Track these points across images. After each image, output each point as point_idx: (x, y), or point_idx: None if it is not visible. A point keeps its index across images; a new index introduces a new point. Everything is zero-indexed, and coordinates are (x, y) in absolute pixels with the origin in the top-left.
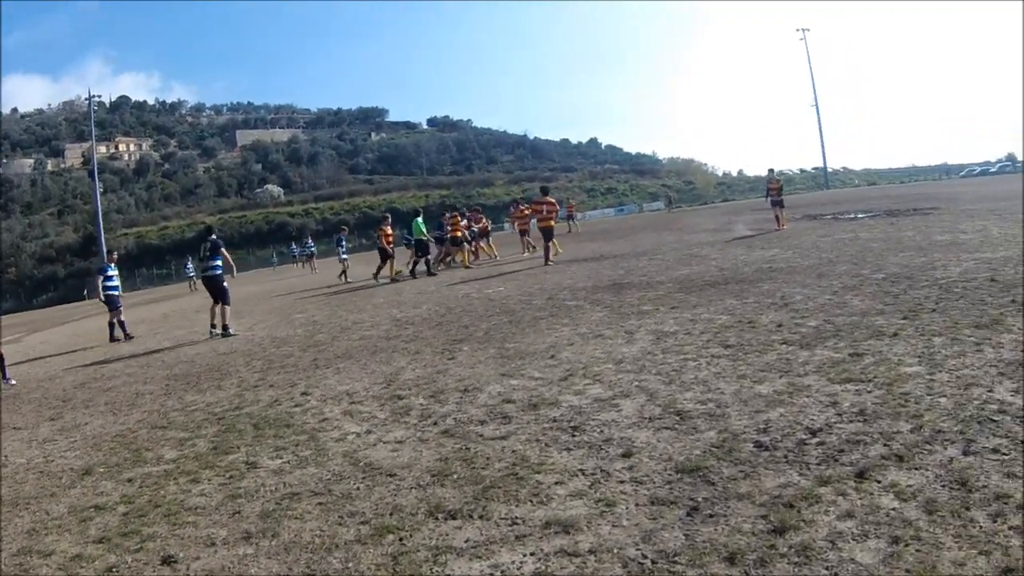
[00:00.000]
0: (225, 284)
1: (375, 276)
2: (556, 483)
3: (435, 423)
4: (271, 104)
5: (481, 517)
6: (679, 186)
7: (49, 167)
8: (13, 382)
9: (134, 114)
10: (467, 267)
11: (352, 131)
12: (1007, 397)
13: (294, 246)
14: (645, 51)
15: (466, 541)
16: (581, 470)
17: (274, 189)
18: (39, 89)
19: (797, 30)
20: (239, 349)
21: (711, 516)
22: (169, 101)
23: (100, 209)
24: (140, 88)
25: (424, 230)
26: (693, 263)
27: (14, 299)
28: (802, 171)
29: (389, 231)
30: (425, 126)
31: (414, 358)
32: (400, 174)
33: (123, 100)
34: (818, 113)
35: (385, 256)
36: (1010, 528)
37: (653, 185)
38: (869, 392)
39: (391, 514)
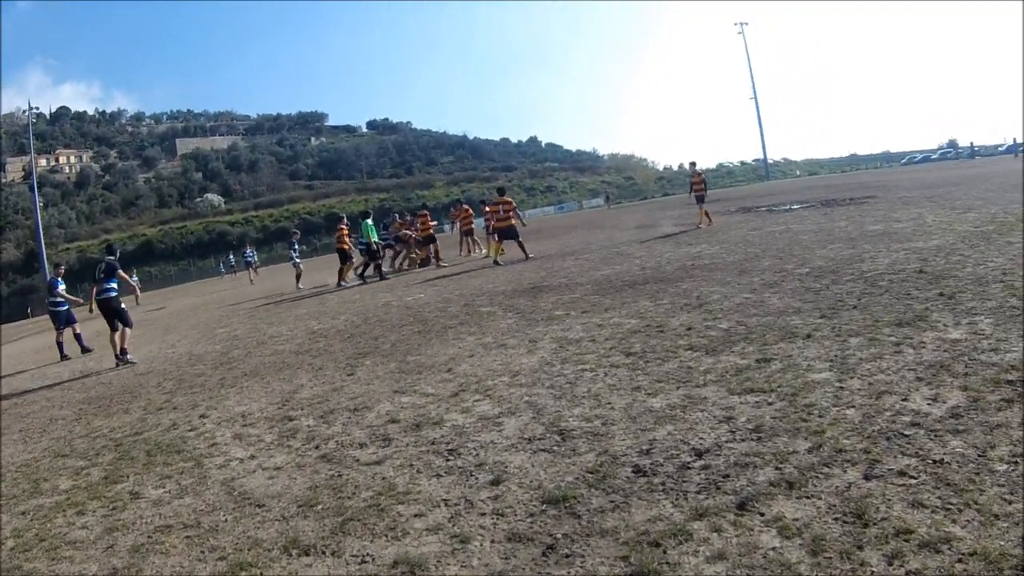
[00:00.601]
0: (122, 306)
1: (339, 283)
2: (416, 515)
3: (317, 446)
4: (211, 111)
5: (333, 554)
6: (619, 182)
7: None
8: None
9: (74, 125)
10: (440, 265)
11: (292, 136)
12: (923, 406)
13: (231, 256)
14: (585, 49)
15: None
16: (445, 500)
17: (214, 198)
18: None
19: (735, 24)
20: (156, 369)
21: (567, 556)
22: (109, 111)
23: (41, 224)
24: (81, 98)
25: (374, 233)
26: (617, 262)
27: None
28: (743, 163)
29: (347, 232)
30: (365, 129)
31: (316, 375)
32: (340, 178)
33: (63, 111)
34: (757, 105)
35: (345, 258)
36: (907, 574)
37: (593, 182)
38: (770, 404)
39: (249, 549)
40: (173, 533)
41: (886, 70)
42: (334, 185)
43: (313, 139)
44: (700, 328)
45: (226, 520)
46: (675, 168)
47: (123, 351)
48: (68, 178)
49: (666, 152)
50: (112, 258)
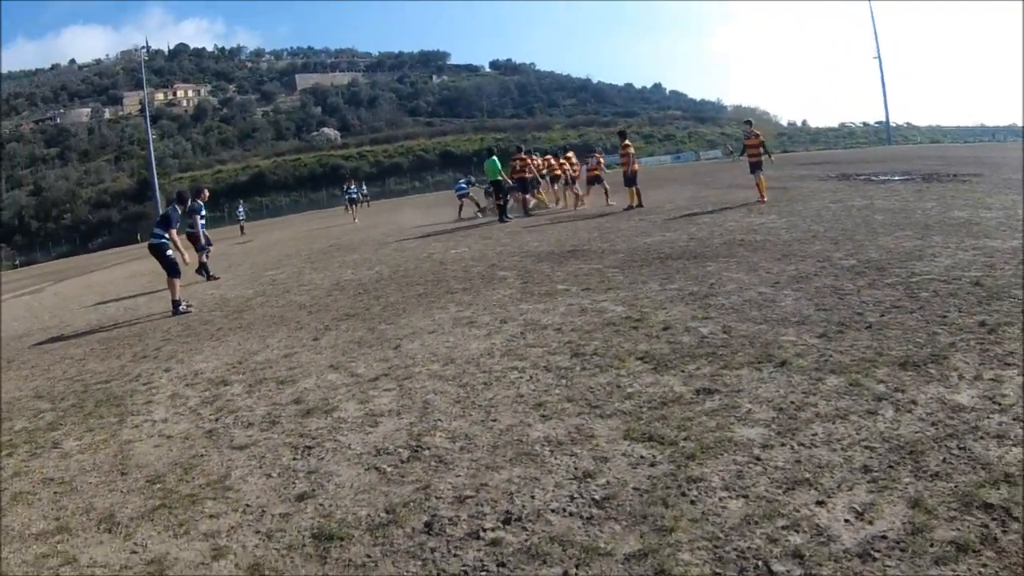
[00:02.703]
0: (169, 253)
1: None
2: (210, 516)
3: (216, 419)
4: (331, 48)
5: (125, 537)
6: (739, 135)
7: (107, 115)
8: None
9: (193, 61)
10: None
11: (413, 74)
12: (835, 523)
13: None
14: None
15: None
16: (247, 505)
17: (330, 132)
18: (100, 39)
19: None
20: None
21: None
22: (229, 47)
23: (153, 155)
24: (203, 35)
25: (499, 169)
26: (673, 228)
27: (69, 244)
28: (865, 124)
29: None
30: (487, 69)
31: (291, 335)
32: (461, 117)
33: (182, 47)
34: (880, 66)
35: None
36: None
37: (712, 133)
38: (651, 466)
39: (81, 515)
40: (49, 487)
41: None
42: (453, 123)
43: (435, 77)
44: (678, 329)
45: (90, 483)
46: (798, 124)
47: (175, 302)
48: (185, 111)
49: (790, 107)
50: (175, 208)
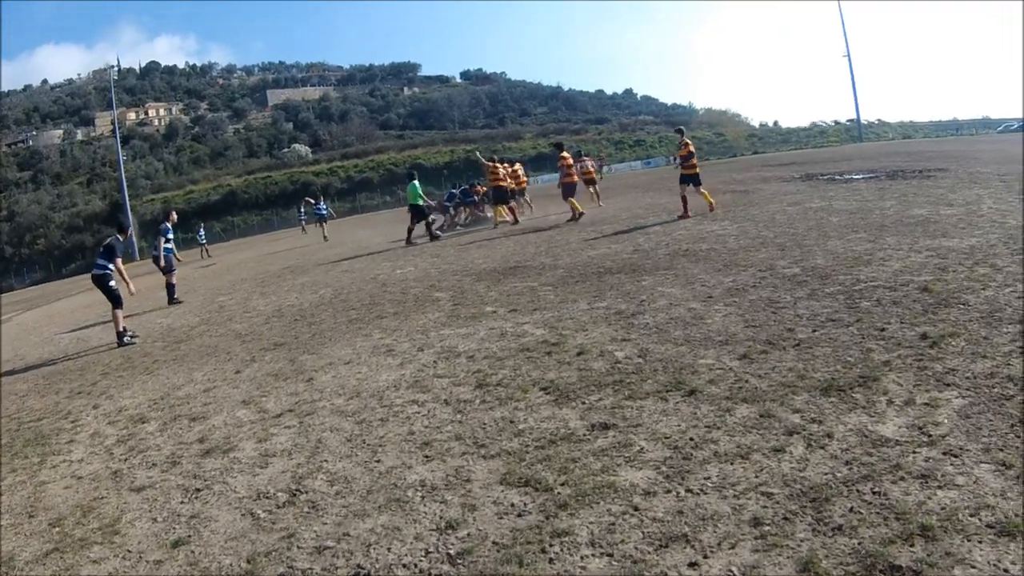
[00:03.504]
0: (112, 284)
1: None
2: (94, 562)
3: (124, 459)
4: (303, 63)
5: None
6: (709, 138)
7: (79, 136)
8: None
9: (164, 79)
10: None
11: (384, 87)
12: None
13: (302, 209)
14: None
15: None
16: (119, 553)
17: (301, 148)
18: (73, 58)
19: None
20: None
21: None
22: (201, 64)
23: (124, 176)
24: (176, 51)
25: (419, 194)
26: (620, 240)
27: (43, 270)
28: (836, 123)
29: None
30: (458, 79)
31: (217, 367)
32: (433, 129)
33: (153, 65)
34: (850, 64)
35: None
36: None
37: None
38: (520, 516)
39: None
40: None
41: (991, 28)
42: (424, 135)
43: (406, 89)
44: (593, 354)
45: (4, 527)
46: (770, 124)
47: (119, 333)
48: (157, 130)
49: (761, 108)
50: (117, 238)
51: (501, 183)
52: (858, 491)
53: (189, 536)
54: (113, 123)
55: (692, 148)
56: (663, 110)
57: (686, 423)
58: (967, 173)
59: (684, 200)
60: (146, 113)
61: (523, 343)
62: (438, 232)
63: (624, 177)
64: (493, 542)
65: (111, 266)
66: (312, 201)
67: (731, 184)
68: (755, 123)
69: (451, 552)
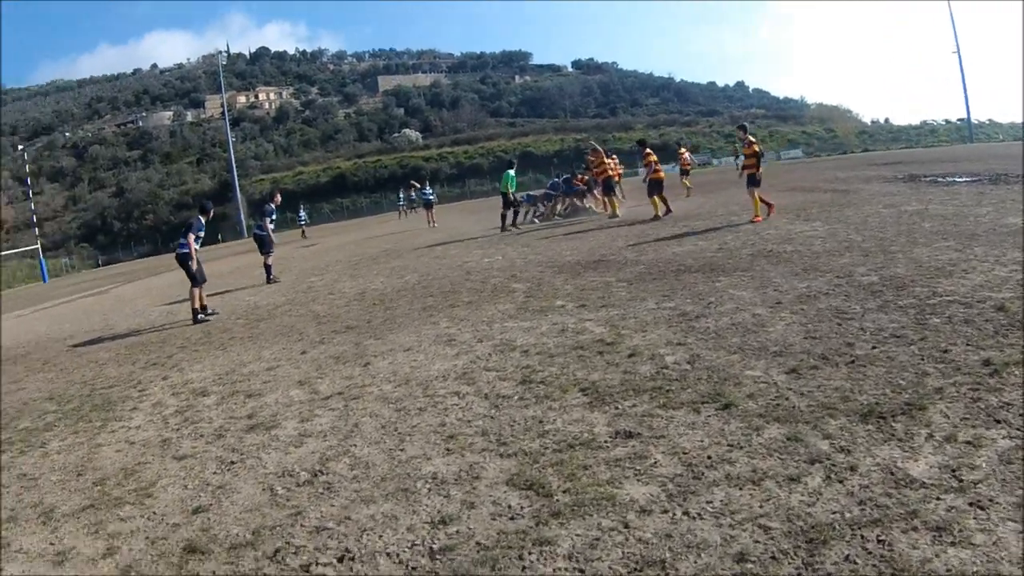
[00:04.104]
0: (190, 263)
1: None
2: (121, 519)
3: (178, 429)
4: (413, 50)
5: (54, 531)
6: (820, 134)
7: (189, 118)
8: None
9: (274, 64)
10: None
11: (495, 75)
12: None
13: (401, 194)
14: None
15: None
16: (151, 513)
17: (411, 133)
18: (182, 44)
19: None
20: (212, 320)
21: None
22: (311, 50)
23: (234, 156)
24: (287, 38)
25: (512, 184)
26: (708, 237)
27: (150, 243)
28: (947, 122)
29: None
30: (570, 69)
31: (288, 346)
32: (543, 117)
33: (263, 51)
34: (960, 61)
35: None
36: None
37: (793, 132)
38: (510, 520)
39: (11, 514)
40: (20, 482)
41: None
42: (535, 124)
43: (517, 77)
44: (643, 356)
45: (51, 481)
46: (881, 121)
47: (195, 309)
48: (267, 113)
49: (872, 105)
50: (197, 218)
51: (609, 174)
52: (862, 536)
53: (210, 504)
54: (222, 104)
55: (758, 148)
56: (775, 103)
57: (710, 439)
58: None
59: (757, 202)
60: (256, 97)
61: (580, 340)
62: (514, 224)
63: (729, 172)
64: (477, 542)
65: (186, 242)
66: (418, 185)
67: (833, 183)
68: (866, 120)
69: (434, 547)
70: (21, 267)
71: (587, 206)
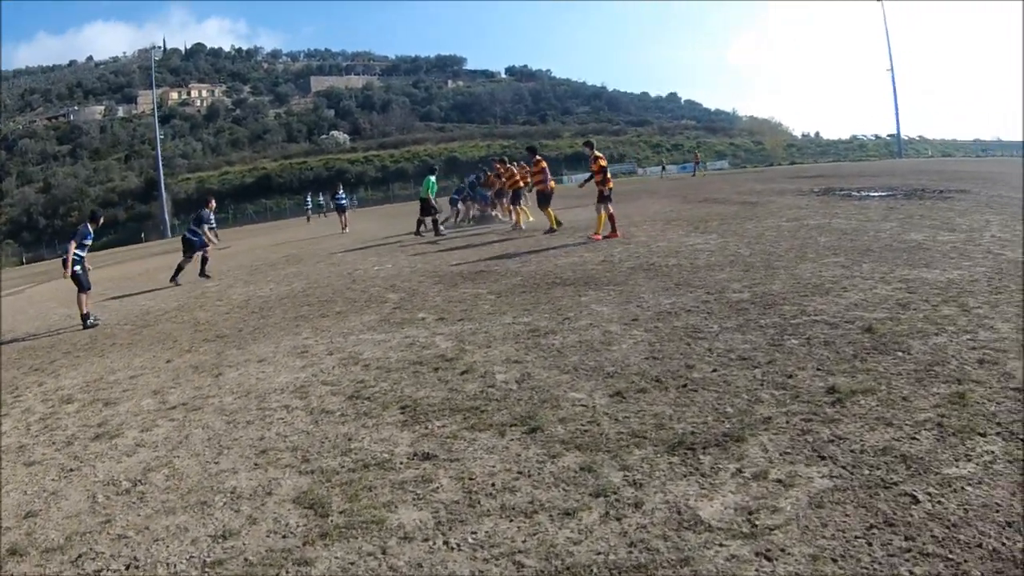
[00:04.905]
0: (76, 270)
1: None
2: None
3: (36, 435)
4: (349, 51)
5: None
6: (748, 146)
7: (120, 113)
8: None
9: (209, 61)
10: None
11: (428, 79)
12: None
13: (308, 198)
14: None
15: None
16: None
17: (339, 136)
18: (121, 36)
19: None
20: (105, 324)
21: None
22: (247, 48)
23: (161, 154)
24: (226, 34)
25: (431, 190)
26: (597, 249)
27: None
28: (877, 137)
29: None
30: (503, 75)
31: (156, 355)
32: (474, 123)
33: (199, 47)
34: (893, 78)
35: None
36: None
37: (722, 143)
38: (282, 538)
39: None
40: None
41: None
42: (464, 129)
43: (450, 82)
44: (477, 373)
45: None
46: (812, 135)
47: (83, 315)
48: (198, 111)
49: (803, 119)
50: (86, 225)
51: (519, 183)
52: None
53: (40, 510)
54: (152, 102)
55: (604, 163)
56: (706, 115)
57: (502, 465)
58: (988, 196)
59: (602, 219)
60: (188, 94)
61: (422, 356)
62: (442, 228)
63: (652, 181)
64: (246, 558)
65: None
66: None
67: (746, 195)
68: (797, 133)
69: (208, 559)
70: None
71: (494, 214)
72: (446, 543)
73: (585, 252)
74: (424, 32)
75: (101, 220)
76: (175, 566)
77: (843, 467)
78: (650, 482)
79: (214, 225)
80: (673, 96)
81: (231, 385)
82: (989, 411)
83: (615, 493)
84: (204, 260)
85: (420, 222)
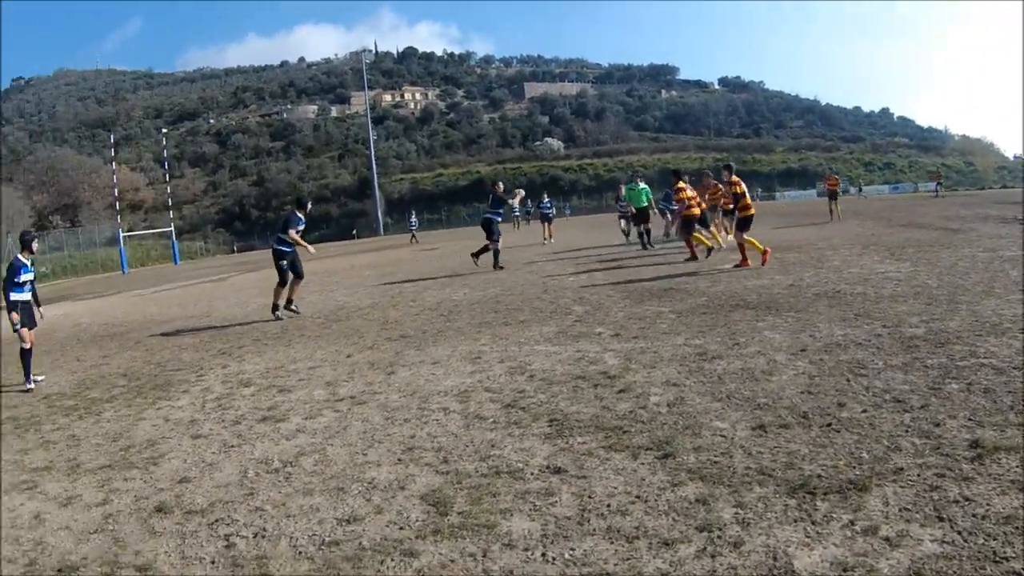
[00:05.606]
0: (282, 263)
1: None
2: (126, 479)
3: (209, 413)
4: (561, 58)
5: (73, 481)
6: (959, 167)
7: (333, 113)
8: None
9: (422, 64)
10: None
11: (641, 88)
12: None
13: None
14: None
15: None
16: (149, 478)
17: (554, 142)
18: (331, 38)
19: None
20: (301, 316)
21: None
22: (459, 53)
23: (374, 153)
24: (437, 38)
25: (642, 198)
26: (788, 272)
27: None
28: None
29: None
30: (716, 86)
31: (339, 348)
32: (687, 133)
33: (411, 51)
34: None
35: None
36: None
37: (933, 163)
38: (400, 528)
39: (48, 464)
40: (69, 441)
41: None
42: (678, 140)
43: (663, 92)
44: (633, 393)
45: (91, 443)
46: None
47: (275, 304)
48: (412, 113)
49: (1015, 138)
50: (293, 212)
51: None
52: None
53: (194, 477)
54: (365, 102)
55: (740, 189)
56: (918, 133)
57: (624, 487)
58: None
59: (741, 248)
60: (402, 96)
61: (587, 371)
62: (649, 243)
63: (862, 203)
64: (360, 543)
65: (286, 241)
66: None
67: (949, 220)
68: (1009, 155)
69: (327, 539)
70: (156, 247)
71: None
72: (543, 555)
73: (776, 274)
74: (637, 39)
75: (309, 206)
76: (297, 540)
77: (958, 532)
78: (758, 522)
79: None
80: (886, 112)
81: (400, 383)
82: None
83: (720, 529)
84: (495, 252)
85: (646, 232)
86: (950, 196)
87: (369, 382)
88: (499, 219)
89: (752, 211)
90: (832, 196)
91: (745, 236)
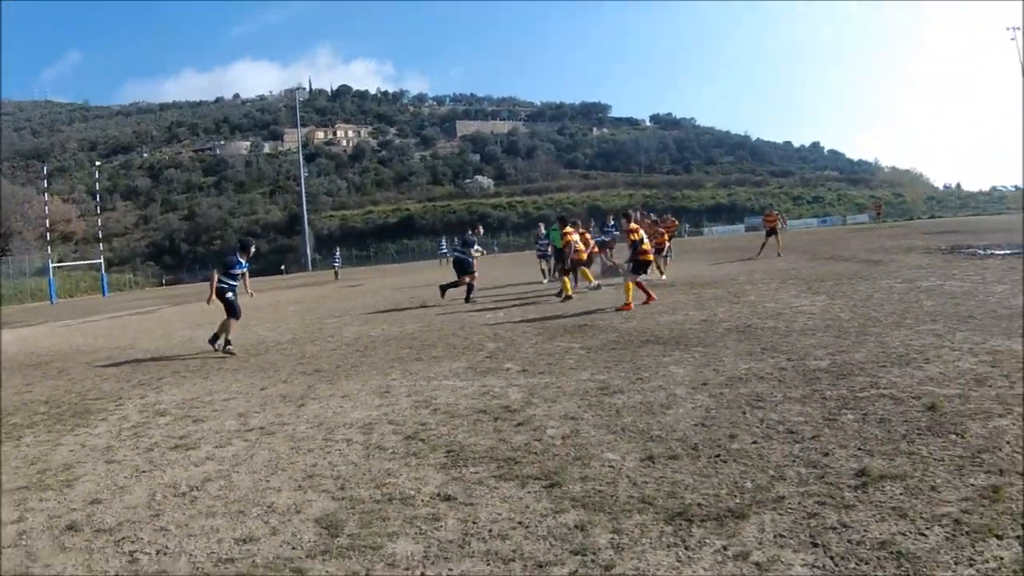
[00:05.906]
0: (228, 296)
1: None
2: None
3: (124, 440)
4: (494, 96)
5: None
6: (888, 198)
7: (266, 149)
8: None
9: (355, 102)
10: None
11: (573, 125)
12: None
13: (443, 241)
14: (871, 51)
15: None
16: (71, 500)
17: (484, 180)
18: (268, 75)
19: (1007, 28)
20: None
21: None
22: (392, 91)
23: (305, 190)
24: (373, 75)
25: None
26: (705, 307)
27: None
28: (1016, 188)
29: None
30: (647, 123)
31: (255, 382)
32: (618, 170)
33: (344, 88)
34: None
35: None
36: None
37: (862, 196)
38: (292, 549)
39: None
40: None
41: None
42: (608, 177)
43: (595, 129)
44: (531, 426)
45: (11, 467)
46: (952, 186)
47: (216, 335)
48: (344, 151)
49: (944, 169)
50: (236, 255)
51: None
52: None
53: (105, 499)
54: (298, 139)
55: (640, 235)
56: (848, 166)
57: (509, 514)
58: None
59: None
60: (334, 133)
61: (489, 405)
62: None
63: (791, 236)
64: (254, 560)
65: (232, 275)
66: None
67: (872, 252)
68: (938, 184)
69: (223, 556)
70: (85, 278)
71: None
72: (422, 574)
73: (691, 310)
74: (569, 78)
75: (252, 250)
76: (196, 557)
77: (831, 557)
78: (632, 548)
79: (479, 249)
80: (816, 146)
81: (309, 416)
82: (1017, 510)
83: (594, 553)
84: (469, 287)
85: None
86: (877, 228)
87: (279, 414)
88: (471, 258)
89: (650, 257)
90: (770, 232)
91: (634, 281)
